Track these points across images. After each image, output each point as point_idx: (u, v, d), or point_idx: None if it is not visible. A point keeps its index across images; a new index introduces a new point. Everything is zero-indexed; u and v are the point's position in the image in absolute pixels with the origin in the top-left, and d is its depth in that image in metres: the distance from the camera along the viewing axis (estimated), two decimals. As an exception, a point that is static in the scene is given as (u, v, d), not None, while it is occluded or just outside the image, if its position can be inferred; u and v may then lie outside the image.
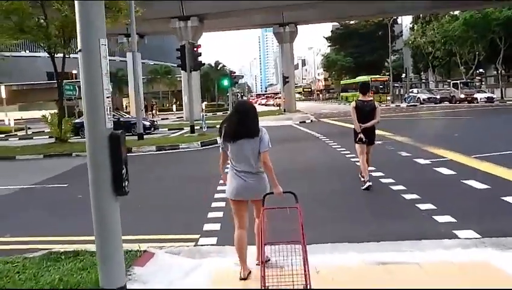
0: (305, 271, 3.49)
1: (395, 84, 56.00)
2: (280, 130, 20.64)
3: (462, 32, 43.78)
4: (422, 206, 6.32)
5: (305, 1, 34.51)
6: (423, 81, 66.48)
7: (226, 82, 31.39)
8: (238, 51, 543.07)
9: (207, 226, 5.94)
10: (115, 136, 2.89)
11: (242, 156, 4.01)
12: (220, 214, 6.47)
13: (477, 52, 45.53)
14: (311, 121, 28.66)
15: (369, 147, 8.13)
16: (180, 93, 48.52)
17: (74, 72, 41.40)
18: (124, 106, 58.45)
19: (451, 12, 48.92)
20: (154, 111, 46.76)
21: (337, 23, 71.26)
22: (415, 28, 56.24)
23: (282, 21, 41.54)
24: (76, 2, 2.87)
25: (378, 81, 51.44)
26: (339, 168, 10.25)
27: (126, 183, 2.98)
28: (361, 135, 7.94)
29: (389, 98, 50.35)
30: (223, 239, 5.25)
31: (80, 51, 2.85)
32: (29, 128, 29.64)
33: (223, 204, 6.86)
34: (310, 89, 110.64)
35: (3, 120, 34.25)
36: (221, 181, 8.62)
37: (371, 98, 8.43)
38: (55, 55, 18.35)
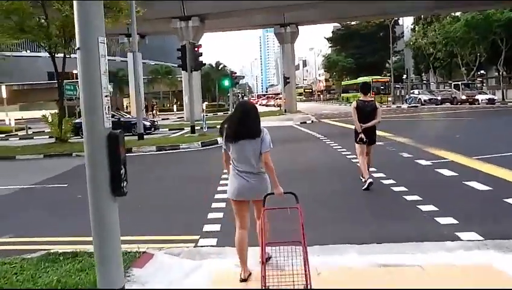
0: (305, 271, 3.48)
1: (396, 85, 55.92)
2: (281, 131, 20.59)
3: (463, 33, 43.72)
4: (424, 208, 6.28)
5: (306, 1, 34.48)
6: (424, 82, 66.38)
7: (226, 82, 31.34)
8: (239, 51, 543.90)
9: (207, 227, 5.90)
10: (113, 135, 2.85)
11: (243, 157, 3.99)
12: (220, 214, 6.43)
13: (478, 53, 45.48)
14: (312, 121, 28.62)
15: (369, 146, 8.12)
16: (180, 93, 48.54)
17: (75, 72, 41.15)
18: (125, 106, 58.45)
19: (453, 14, 48.83)
20: (154, 111, 46.74)
21: (338, 24, 71.20)
22: (416, 29, 56.12)
23: (283, 21, 41.55)
24: (75, 2, 2.83)
25: (380, 82, 51.39)
26: (340, 169, 10.21)
27: (125, 184, 2.93)
28: (362, 135, 7.93)
29: (390, 99, 50.29)
30: (223, 240, 5.21)
31: (78, 49, 2.81)
32: (29, 128, 29.63)
33: (223, 205, 6.83)
34: (311, 90, 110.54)
35: (3, 120, 34.25)
36: (221, 181, 8.65)
37: (372, 99, 8.42)
38: (56, 55, 18.34)
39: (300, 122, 27.57)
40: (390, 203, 6.96)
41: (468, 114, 28.18)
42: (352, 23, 68.94)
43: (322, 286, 3.75)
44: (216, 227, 5.89)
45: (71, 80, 31.66)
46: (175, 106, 60.08)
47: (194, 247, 5.19)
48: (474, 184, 7.53)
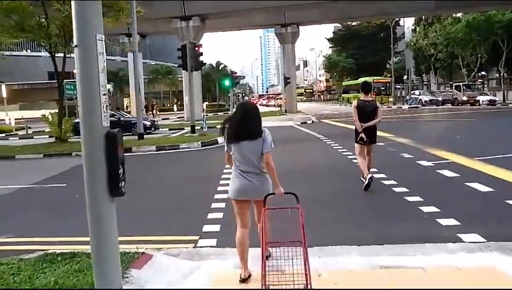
0: (305, 271, 3.47)
1: (397, 86, 55.91)
2: (281, 131, 20.54)
3: (464, 34, 43.68)
4: (425, 209, 6.23)
5: (307, 1, 34.44)
6: (425, 83, 66.40)
7: (227, 82, 31.32)
8: (239, 51, 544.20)
9: (206, 227, 5.86)
10: (111, 134, 2.80)
11: (245, 157, 3.98)
12: (220, 215, 6.38)
13: (479, 54, 45.44)
14: (312, 121, 28.58)
15: (370, 146, 8.11)
16: (181, 93, 48.52)
17: (75, 71, 41.09)
18: (125, 106, 58.41)
19: (454, 15, 48.78)
20: (154, 111, 46.70)
21: (339, 25, 71.23)
22: (417, 29, 56.14)
23: (284, 21, 41.50)
24: (73, 2, 2.78)
25: (380, 82, 51.36)
26: (340, 169, 10.16)
27: (123, 184, 2.88)
28: (362, 135, 7.92)
29: (391, 99, 50.24)
30: (222, 241, 5.17)
31: (76, 46, 2.76)
32: (29, 127, 29.60)
33: (223, 205, 6.78)
34: (311, 90, 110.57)
35: (3, 119, 34.21)
36: (221, 181, 8.60)
37: (373, 98, 8.39)
38: (56, 55, 18.30)
39: (301, 123, 27.53)
40: (391, 204, 6.91)
41: (469, 115, 28.12)
42: (353, 23, 68.98)
43: (323, 288, 3.72)
44: (216, 227, 5.84)
45: (71, 80, 31.65)
46: (175, 106, 60.01)
47: (194, 247, 5.14)
48: (476, 185, 7.48)
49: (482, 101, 39.07)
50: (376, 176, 8.52)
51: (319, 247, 4.65)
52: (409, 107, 41.70)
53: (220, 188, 8.05)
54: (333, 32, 79.55)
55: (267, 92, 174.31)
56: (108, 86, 44.97)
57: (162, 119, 38.91)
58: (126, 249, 4.55)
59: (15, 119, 33.11)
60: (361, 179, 8.00)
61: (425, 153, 11.48)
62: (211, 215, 6.38)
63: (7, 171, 13.31)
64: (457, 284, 3.78)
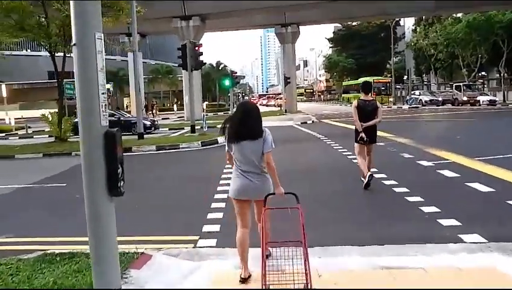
0: (306, 270, 3.47)
1: (397, 86, 55.88)
2: (281, 131, 20.51)
3: (464, 34, 43.63)
4: (426, 209, 6.21)
5: (308, 1, 34.41)
6: (425, 83, 66.36)
7: (227, 82, 31.27)
8: (239, 51, 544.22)
9: (206, 227, 5.83)
10: (110, 134, 2.78)
11: (246, 157, 3.98)
12: (220, 215, 6.36)
13: (479, 54, 45.39)
14: (313, 121, 28.55)
15: (370, 146, 8.12)
16: (181, 93, 48.48)
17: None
18: (125, 106, 58.39)
19: (454, 15, 48.74)
20: (154, 111, 46.67)
21: (339, 24, 71.18)
22: (418, 30, 56.08)
23: (284, 21, 41.46)
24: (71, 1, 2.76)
25: (381, 82, 51.34)
26: (341, 170, 10.14)
27: (122, 184, 2.86)
28: (362, 134, 7.93)
29: (391, 99, 50.22)
30: (222, 241, 5.16)
31: (74, 45, 2.74)
32: (29, 127, 29.56)
33: (223, 205, 6.77)
34: (312, 90, 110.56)
35: (3, 119, 34.17)
36: (221, 181, 8.59)
37: (373, 98, 8.40)
38: (56, 54, 18.27)
39: (301, 123, 27.51)
40: (391, 204, 6.89)
41: (469, 115, 28.10)
42: (353, 23, 68.93)
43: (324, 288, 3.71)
44: (216, 227, 5.82)
45: (71, 79, 31.66)
46: (175, 106, 59.97)
47: (193, 248, 5.12)
48: (476, 185, 7.46)
49: (482, 102, 39.06)
50: (376, 176, 8.50)
51: (319, 247, 4.63)
52: (409, 107, 41.68)
53: (220, 188, 8.03)
54: (333, 32, 79.50)
55: (267, 91, 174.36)
56: (108, 86, 45.02)
57: (162, 119, 38.88)
58: (125, 249, 4.53)
59: (15, 118, 33.08)
60: (362, 179, 7.99)
61: (426, 153, 11.46)
62: (210, 215, 6.35)
63: (7, 170, 13.28)
64: (458, 284, 3.76)
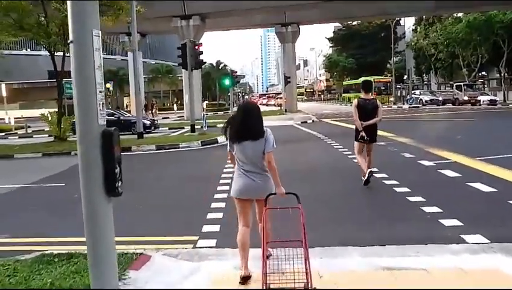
0: (306, 270, 3.47)
1: (397, 86, 55.84)
2: (281, 130, 20.46)
3: (465, 34, 43.56)
4: (428, 209, 6.15)
5: (308, 1, 34.36)
6: (425, 83, 66.29)
7: (227, 81, 31.25)
8: (239, 50, 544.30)
9: (206, 228, 5.78)
10: (107, 133, 2.72)
11: (247, 157, 3.99)
12: (219, 215, 6.31)
13: (480, 54, 45.29)
14: (313, 121, 28.53)
15: (370, 145, 8.11)
16: (181, 92, 48.44)
17: (75, 70, 41.19)
18: (125, 105, 58.36)
19: (455, 15, 48.65)
20: (154, 110, 46.61)
21: (339, 24, 71.12)
22: (418, 29, 56.00)
23: (284, 21, 41.39)
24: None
25: (381, 82, 51.33)
26: (341, 169, 10.09)
27: (119, 184, 2.80)
28: (362, 133, 7.94)
29: (391, 99, 50.18)
30: (222, 241, 5.11)
31: (71, 42, 2.68)
32: (29, 126, 29.50)
33: (222, 205, 6.72)
34: (312, 90, 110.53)
35: (3, 118, 34.14)
36: (221, 181, 8.54)
37: (373, 97, 8.38)
38: (55, 54, 18.21)
39: (301, 122, 27.48)
40: (393, 204, 6.84)
41: (469, 115, 28.06)
42: (354, 23, 68.86)
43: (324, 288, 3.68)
44: (215, 228, 5.77)
45: (71, 79, 31.58)
46: (175, 105, 59.95)
47: (193, 248, 5.07)
48: (478, 185, 7.40)
49: (483, 101, 39.06)
50: (377, 175, 8.48)
51: (320, 247, 4.59)
52: (409, 107, 41.65)
53: (219, 188, 7.99)
54: (333, 32, 79.43)
55: (267, 91, 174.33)
56: (108, 85, 44.94)
57: (162, 118, 38.84)
58: (124, 250, 4.49)
59: (15, 118, 33.04)
60: (362, 178, 7.95)
61: (427, 153, 11.41)
62: (210, 215, 6.30)
63: (6, 170, 13.23)
64: (461, 286, 3.71)
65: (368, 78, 44.80)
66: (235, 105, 34.59)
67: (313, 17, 41.63)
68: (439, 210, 6.05)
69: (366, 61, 67.27)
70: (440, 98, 43.62)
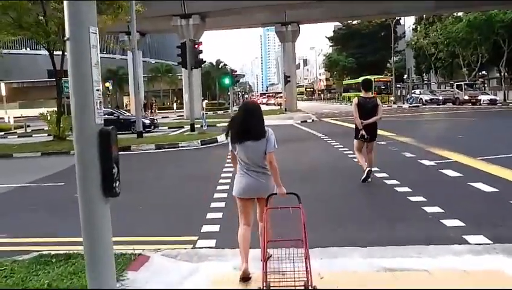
0: (306, 269, 3.46)
1: (397, 85, 55.79)
2: (281, 130, 20.40)
3: (465, 34, 43.54)
4: (429, 209, 6.10)
5: (308, 0, 34.29)
6: (425, 82, 66.25)
7: (227, 81, 31.11)
8: (239, 49, 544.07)
9: (206, 228, 5.72)
10: (105, 132, 2.67)
11: (249, 157, 3.98)
12: (219, 215, 6.26)
13: (480, 54, 45.27)
14: (313, 120, 28.49)
15: (370, 143, 8.11)
16: (181, 91, 48.40)
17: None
18: (125, 104, 58.31)
19: (455, 14, 48.62)
20: (153, 109, 46.57)
21: (339, 23, 71.08)
22: (418, 29, 55.95)
23: (284, 20, 41.34)
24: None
25: (381, 81, 51.29)
26: (342, 169, 10.04)
27: (117, 184, 2.75)
28: (363, 132, 7.97)
29: (392, 98, 50.14)
30: (222, 241, 5.06)
31: (67, 39, 2.63)
32: (28, 126, 29.46)
33: (222, 205, 6.67)
34: (312, 89, 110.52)
35: (3, 118, 34.08)
36: (221, 180, 8.49)
37: (373, 96, 8.39)
38: (54, 53, 18.15)
39: (301, 121, 27.45)
40: (393, 204, 6.79)
41: (470, 114, 28.02)
42: (354, 22, 68.83)
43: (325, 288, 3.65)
44: (215, 228, 5.71)
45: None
46: (175, 104, 59.91)
47: (192, 248, 5.02)
48: (479, 185, 7.35)
49: (483, 101, 39.06)
50: (378, 175, 8.45)
51: (320, 248, 4.54)
52: (409, 106, 41.62)
53: (219, 187, 7.94)
54: (333, 31, 79.41)
55: (266, 90, 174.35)
56: (108, 84, 44.77)
57: (162, 117, 38.80)
58: (123, 250, 4.44)
59: (14, 117, 32.99)
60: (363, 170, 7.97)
61: (427, 152, 11.36)
62: (210, 215, 6.25)
63: (4, 169, 13.18)
64: (463, 287, 3.66)
65: (368, 77, 44.81)
66: (234, 104, 34.53)
67: (313, 16, 41.59)
68: (441, 210, 6.00)
69: (366, 60, 67.25)
70: (440, 98, 43.61)
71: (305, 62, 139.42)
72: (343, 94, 64.13)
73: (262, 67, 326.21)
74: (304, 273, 3.46)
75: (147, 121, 23.89)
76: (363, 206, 6.92)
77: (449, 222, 5.50)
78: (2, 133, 28.65)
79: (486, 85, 52.76)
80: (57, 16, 16.39)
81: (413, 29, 61.00)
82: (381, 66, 68.24)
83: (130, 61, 31.98)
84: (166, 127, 27.11)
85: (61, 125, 18.74)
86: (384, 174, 8.53)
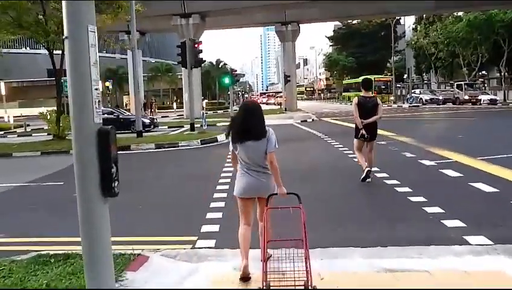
0: (306, 269, 3.45)
1: (397, 85, 55.76)
2: (281, 129, 20.35)
3: (465, 33, 43.49)
4: (430, 210, 6.08)
5: (308, 0, 34.25)
6: (425, 82, 66.23)
7: (227, 80, 31.06)
8: (239, 49, 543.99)
9: (205, 228, 5.70)
10: (103, 131, 2.64)
11: (250, 157, 3.98)
12: (219, 214, 6.23)
13: (480, 54, 45.23)
14: (313, 120, 28.46)
15: (370, 142, 8.12)
16: (181, 91, 48.37)
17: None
18: (124, 104, 58.28)
19: (455, 14, 48.59)
20: (153, 109, 46.53)
21: (339, 23, 71.06)
22: (418, 28, 55.92)
23: (284, 19, 41.32)
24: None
25: (382, 81, 51.25)
26: (342, 169, 10.02)
27: (116, 184, 2.73)
28: (363, 131, 7.97)
29: (392, 98, 50.12)
30: (222, 241, 5.04)
31: (66, 38, 2.61)
32: (28, 125, 29.44)
33: (222, 204, 6.65)
34: (312, 89, 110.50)
35: (2, 117, 34.06)
36: (221, 180, 8.47)
37: (373, 95, 8.39)
38: (54, 52, 18.12)
39: (301, 121, 27.43)
40: (394, 204, 6.76)
41: (470, 114, 28.00)
42: (354, 22, 68.81)
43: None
44: (215, 228, 5.69)
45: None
46: (175, 104, 59.89)
47: (192, 248, 4.99)
48: (480, 185, 7.33)
49: (483, 101, 39.04)
50: (378, 175, 8.43)
51: (321, 249, 4.52)
52: (409, 106, 41.62)
53: (219, 187, 7.91)
54: (333, 31, 79.41)
55: (266, 90, 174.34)
56: (108, 84, 44.69)
57: (162, 117, 38.78)
58: (122, 251, 4.42)
59: (14, 116, 32.96)
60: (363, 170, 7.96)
61: (428, 152, 11.34)
62: (209, 215, 6.22)
63: (4, 169, 13.16)
64: (464, 288, 3.64)
65: (368, 77, 44.74)
66: (234, 104, 34.49)
67: (313, 16, 41.56)
68: (441, 210, 5.97)
69: (366, 60, 67.25)
70: (440, 97, 43.59)
71: (305, 62, 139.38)
72: (343, 94, 64.10)
73: (262, 67, 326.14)
74: (304, 273, 3.45)
75: (147, 121, 23.87)
76: (363, 206, 6.90)
77: (450, 223, 5.47)
78: (2, 132, 28.61)
79: (486, 85, 52.72)
80: (57, 15, 16.37)
81: (413, 28, 60.99)
82: (381, 66, 68.22)
83: (130, 61, 31.93)
84: (166, 127, 27.08)
85: (61, 125, 18.71)
86: (385, 174, 8.51)
